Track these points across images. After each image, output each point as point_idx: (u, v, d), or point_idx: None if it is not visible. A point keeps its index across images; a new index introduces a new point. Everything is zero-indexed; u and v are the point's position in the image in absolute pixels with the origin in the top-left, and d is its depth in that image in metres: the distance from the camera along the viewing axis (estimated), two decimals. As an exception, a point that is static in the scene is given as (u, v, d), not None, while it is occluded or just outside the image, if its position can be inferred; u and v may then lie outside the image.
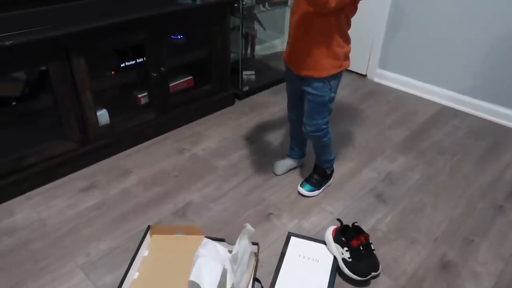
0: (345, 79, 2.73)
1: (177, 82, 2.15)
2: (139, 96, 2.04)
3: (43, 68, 1.61)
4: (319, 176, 1.73)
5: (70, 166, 1.79)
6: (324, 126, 1.56)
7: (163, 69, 1.97)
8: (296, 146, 1.82)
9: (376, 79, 2.74)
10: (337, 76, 1.47)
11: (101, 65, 1.85)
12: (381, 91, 2.62)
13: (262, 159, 1.92)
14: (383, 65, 2.70)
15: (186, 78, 2.21)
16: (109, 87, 1.94)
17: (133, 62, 1.91)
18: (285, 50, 1.57)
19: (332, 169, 1.76)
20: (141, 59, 1.92)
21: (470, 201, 1.72)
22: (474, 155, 2.01)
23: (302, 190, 1.71)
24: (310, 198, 1.70)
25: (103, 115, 1.88)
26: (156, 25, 1.85)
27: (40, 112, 1.80)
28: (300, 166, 1.87)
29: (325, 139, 1.61)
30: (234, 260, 1.20)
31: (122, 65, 1.88)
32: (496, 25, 2.14)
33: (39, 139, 1.74)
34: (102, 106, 1.89)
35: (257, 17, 2.56)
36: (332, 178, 1.77)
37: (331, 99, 1.50)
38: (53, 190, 1.71)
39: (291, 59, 1.52)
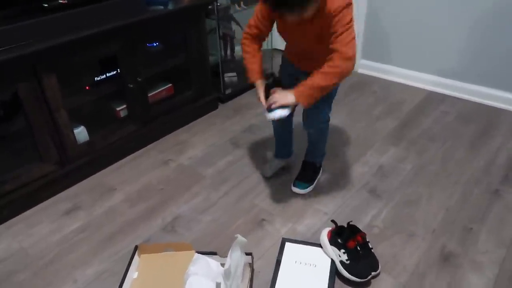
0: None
1: (156, 91, 2.08)
2: (118, 109, 1.97)
3: (12, 89, 1.53)
4: (311, 171, 1.71)
5: (50, 189, 1.72)
6: (329, 117, 1.59)
7: (140, 79, 1.90)
8: (282, 146, 1.78)
9: (360, 70, 2.69)
10: None
11: (74, 81, 1.77)
12: (366, 82, 2.58)
13: (250, 163, 1.87)
14: (366, 55, 2.65)
15: (166, 86, 2.14)
16: (85, 103, 1.86)
17: (108, 74, 1.84)
18: (284, 50, 1.59)
19: (322, 161, 1.74)
20: (116, 71, 1.85)
21: (465, 188, 1.68)
22: (465, 140, 1.98)
23: (297, 190, 1.67)
24: (302, 200, 1.65)
25: (81, 133, 1.81)
26: (129, 35, 1.78)
27: (15, 135, 1.71)
28: (288, 167, 1.82)
29: (327, 131, 1.63)
30: (227, 276, 1.14)
31: (96, 79, 1.81)
32: (475, 2, 2.09)
33: (15, 163, 1.66)
34: (80, 123, 1.82)
35: (233, 17, 2.50)
36: (321, 170, 1.74)
37: (337, 89, 1.51)
38: (35, 216, 1.63)
39: (295, 61, 1.54)
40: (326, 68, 1.27)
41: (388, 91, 2.46)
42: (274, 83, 1.46)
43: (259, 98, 1.43)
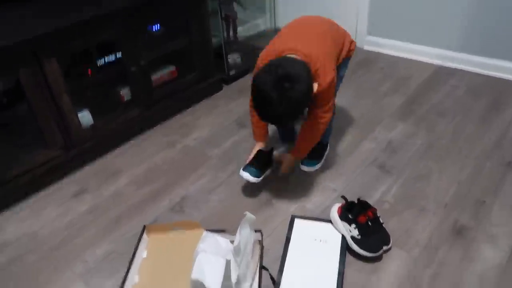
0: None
1: (159, 75, 2.05)
2: (121, 93, 1.95)
3: (14, 75, 1.51)
4: (318, 148, 1.68)
5: (56, 173, 1.71)
6: (335, 103, 1.56)
7: (142, 62, 1.87)
8: (286, 132, 1.80)
9: (366, 47, 2.64)
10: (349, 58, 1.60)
11: (76, 66, 1.74)
12: (372, 58, 2.53)
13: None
14: (371, 31, 2.59)
15: (169, 69, 2.11)
16: (88, 87, 1.84)
17: (110, 58, 1.81)
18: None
19: (328, 139, 1.73)
20: (118, 55, 1.82)
21: (477, 161, 1.64)
22: (476, 114, 1.93)
23: (306, 168, 1.65)
24: (310, 177, 1.62)
25: (85, 117, 1.79)
26: (130, 18, 1.75)
27: (19, 122, 1.71)
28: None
29: (334, 116, 1.61)
30: (236, 252, 1.12)
31: (99, 63, 1.78)
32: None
33: (21, 149, 1.65)
34: (84, 108, 1.80)
35: (235, -3, 2.45)
36: (328, 147, 1.73)
37: (343, 77, 1.61)
38: (42, 200, 1.63)
39: None
40: (309, 130, 1.45)
41: (396, 67, 2.41)
42: (266, 154, 1.58)
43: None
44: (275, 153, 1.60)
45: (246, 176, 1.49)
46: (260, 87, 1.20)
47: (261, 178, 1.53)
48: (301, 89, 1.19)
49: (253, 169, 1.50)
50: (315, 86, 1.27)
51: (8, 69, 1.47)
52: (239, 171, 1.52)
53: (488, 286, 1.18)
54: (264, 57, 1.36)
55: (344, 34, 1.53)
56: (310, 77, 1.24)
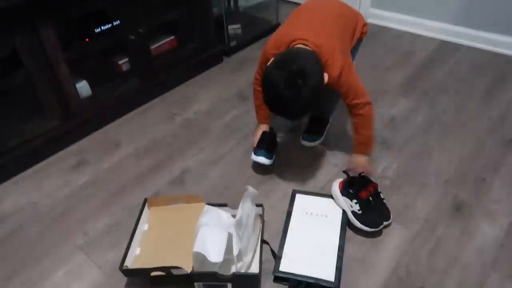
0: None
1: (159, 44, 2.01)
2: (120, 62, 1.90)
3: (10, 43, 1.47)
4: (319, 123, 1.68)
5: (55, 144, 1.69)
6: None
7: (141, 30, 1.82)
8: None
9: (369, 20, 2.58)
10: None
11: (73, 33, 1.70)
12: (376, 32, 2.47)
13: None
14: (375, 4, 2.53)
15: (168, 39, 2.05)
16: (85, 56, 1.80)
17: (108, 25, 1.76)
18: None
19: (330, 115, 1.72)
20: (117, 22, 1.76)
21: (479, 138, 1.64)
22: (479, 90, 1.92)
23: (306, 143, 1.65)
24: (311, 152, 1.62)
25: (83, 87, 1.76)
26: (127, -18, 1.69)
27: (17, 91, 1.67)
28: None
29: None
30: (238, 225, 1.13)
31: (96, 30, 1.73)
32: None
33: (19, 119, 1.63)
34: (82, 78, 1.76)
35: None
36: (330, 122, 1.72)
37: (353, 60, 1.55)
38: (41, 171, 1.62)
39: None
40: (359, 124, 1.41)
41: (400, 41, 2.37)
42: (271, 135, 1.56)
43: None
44: (347, 158, 1.54)
45: (261, 160, 1.49)
46: (272, 83, 1.18)
47: (273, 159, 1.53)
48: (313, 85, 1.17)
49: (264, 151, 1.50)
50: (326, 77, 1.24)
51: (4, 35, 1.42)
52: (238, 145, 1.52)
53: (486, 261, 1.20)
54: (273, 46, 1.32)
55: (356, 16, 1.48)
56: (321, 69, 1.22)
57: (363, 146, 1.46)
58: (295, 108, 1.20)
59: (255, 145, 1.53)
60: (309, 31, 1.28)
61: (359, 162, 1.46)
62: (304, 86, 1.16)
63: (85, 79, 1.76)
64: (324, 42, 1.26)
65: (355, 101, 1.35)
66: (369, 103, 1.38)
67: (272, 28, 2.54)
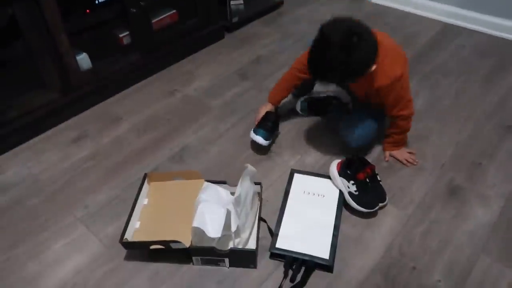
0: (340, 3, 2.56)
1: (160, 18, 1.98)
2: (121, 35, 1.87)
3: (9, 11, 1.45)
4: (323, 104, 1.68)
5: (56, 117, 1.69)
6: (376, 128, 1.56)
7: (142, 3, 1.79)
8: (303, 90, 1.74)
9: (373, 0, 2.54)
10: None
11: (74, 3, 1.67)
12: (379, 12, 2.45)
13: (257, 95, 1.82)
14: (381, -17, 2.49)
15: (170, 13, 2.02)
16: (86, 28, 1.77)
17: (110, -3, 1.73)
18: None
19: None
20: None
21: (477, 123, 1.65)
22: (480, 74, 1.91)
23: (301, 112, 1.69)
24: (311, 132, 1.63)
25: (84, 60, 1.74)
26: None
27: (16, 62, 1.66)
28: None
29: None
30: (237, 203, 1.15)
31: (97, 1, 1.70)
32: None
33: (19, 91, 1.62)
34: (82, 50, 1.74)
35: None
36: None
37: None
38: (42, 143, 1.62)
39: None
40: (397, 133, 1.45)
41: (403, 22, 2.34)
42: (276, 116, 1.55)
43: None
44: (386, 153, 1.52)
45: (258, 139, 1.48)
46: (327, 31, 1.15)
47: (270, 141, 1.52)
48: (365, 50, 1.15)
49: (264, 131, 1.49)
50: (373, 67, 1.22)
51: (2, 1, 1.39)
52: (238, 123, 1.52)
53: (477, 243, 1.23)
54: None
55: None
56: (377, 52, 1.20)
57: (399, 143, 1.50)
58: (339, 61, 1.15)
59: (256, 123, 1.53)
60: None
61: (400, 153, 1.50)
62: (357, 44, 1.13)
63: (85, 52, 1.75)
64: (390, 50, 1.29)
65: (400, 113, 1.38)
66: (411, 114, 1.40)
67: (275, 5, 2.50)
